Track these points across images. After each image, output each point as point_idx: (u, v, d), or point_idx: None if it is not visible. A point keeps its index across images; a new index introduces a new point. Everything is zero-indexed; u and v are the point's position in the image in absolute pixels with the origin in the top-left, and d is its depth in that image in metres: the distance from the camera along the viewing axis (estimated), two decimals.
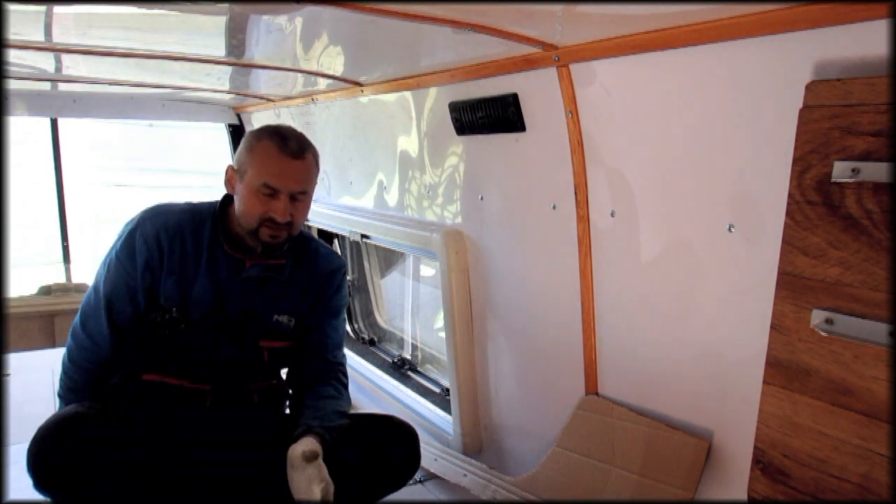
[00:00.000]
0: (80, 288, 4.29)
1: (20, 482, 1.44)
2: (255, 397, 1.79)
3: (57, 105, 3.48)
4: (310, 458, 1.50)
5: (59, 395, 1.74)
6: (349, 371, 1.93)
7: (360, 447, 1.70)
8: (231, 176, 1.70)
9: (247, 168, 1.63)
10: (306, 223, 3.04)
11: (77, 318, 1.73)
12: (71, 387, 1.72)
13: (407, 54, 2.06)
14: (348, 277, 3.51)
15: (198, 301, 1.68)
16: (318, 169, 1.71)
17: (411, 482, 2.31)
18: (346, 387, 1.85)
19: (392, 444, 1.75)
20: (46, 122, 4.25)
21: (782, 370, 1.21)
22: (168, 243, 1.66)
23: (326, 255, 1.88)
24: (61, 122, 4.34)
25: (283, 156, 1.60)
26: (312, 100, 3.01)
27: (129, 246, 1.66)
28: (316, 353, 1.83)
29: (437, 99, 2.26)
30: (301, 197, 1.65)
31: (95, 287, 1.71)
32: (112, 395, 1.69)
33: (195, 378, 1.71)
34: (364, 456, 1.69)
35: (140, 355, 1.71)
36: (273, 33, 1.84)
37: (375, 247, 3.26)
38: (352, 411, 1.80)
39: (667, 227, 1.57)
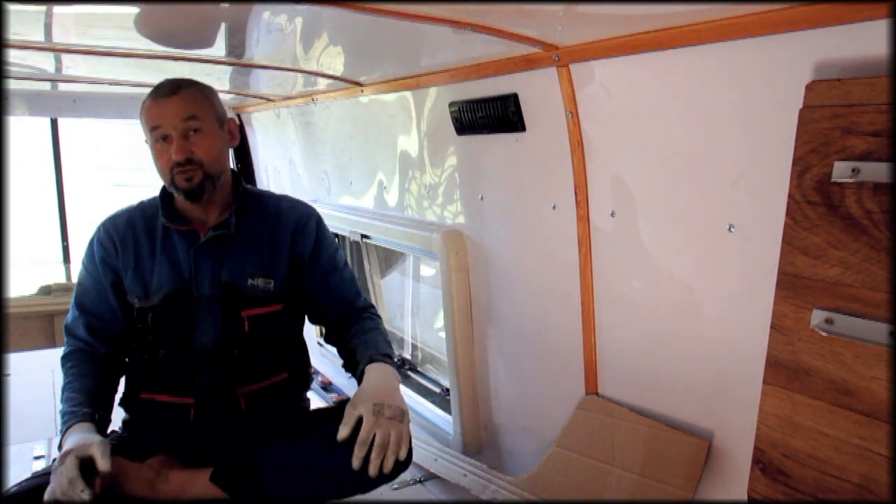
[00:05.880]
0: None
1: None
2: (241, 402, 1.65)
3: (57, 105, 3.48)
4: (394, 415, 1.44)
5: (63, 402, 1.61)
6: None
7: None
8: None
9: (145, 133, 1.62)
10: None
11: (65, 333, 1.73)
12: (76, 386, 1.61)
13: (407, 54, 2.06)
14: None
15: (158, 286, 1.64)
16: (208, 98, 1.64)
17: (411, 482, 2.31)
18: (380, 321, 1.80)
19: None
20: (47, 122, 4.26)
21: (782, 370, 1.21)
22: (121, 241, 1.67)
23: (290, 207, 1.78)
24: (61, 122, 4.35)
25: (156, 99, 1.58)
26: (312, 100, 3.01)
27: (89, 252, 1.71)
28: (338, 309, 1.78)
29: (437, 99, 2.26)
30: (193, 125, 1.57)
31: (73, 299, 1.72)
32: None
33: (178, 389, 1.62)
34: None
35: (129, 370, 1.70)
36: (273, 33, 1.84)
37: (375, 247, 3.26)
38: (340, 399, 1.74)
39: (667, 227, 1.57)
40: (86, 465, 1.34)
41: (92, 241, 1.71)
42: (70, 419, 1.49)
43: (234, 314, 1.65)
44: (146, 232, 1.68)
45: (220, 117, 1.67)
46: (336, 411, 1.58)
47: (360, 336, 1.70)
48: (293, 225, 1.73)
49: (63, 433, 1.47)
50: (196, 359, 1.62)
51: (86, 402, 1.55)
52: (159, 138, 1.58)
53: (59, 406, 1.57)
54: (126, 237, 1.67)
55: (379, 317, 1.83)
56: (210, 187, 1.61)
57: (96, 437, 1.42)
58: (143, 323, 1.65)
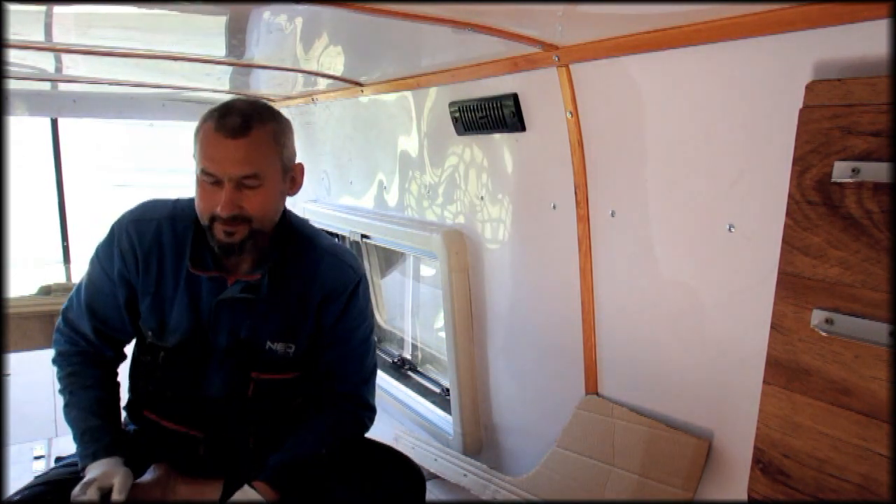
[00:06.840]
0: None
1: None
2: (250, 440, 1.54)
3: (57, 105, 3.49)
4: None
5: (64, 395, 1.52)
6: None
7: (357, 484, 1.47)
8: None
9: (195, 157, 1.38)
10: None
11: (60, 320, 1.58)
12: (73, 390, 1.51)
13: (407, 54, 2.06)
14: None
15: (174, 327, 1.47)
16: (277, 145, 1.39)
17: None
18: (349, 420, 1.56)
19: (396, 487, 1.51)
20: (47, 122, 4.26)
21: (782, 370, 1.21)
22: (144, 258, 1.46)
23: (332, 267, 1.53)
24: (61, 122, 4.35)
25: (219, 135, 1.33)
26: (312, 100, 3.02)
27: (107, 251, 1.50)
28: (318, 385, 1.57)
29: (437, 99, 2.26)
30: (251, 183, 1.34)
31: (78, 289, 1.55)
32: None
33: (187, 422, 1.52)
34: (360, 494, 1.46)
35: (133, 384, 1.57)
36: (273, 33, 1.84)
37: (375, 247, 3.26)
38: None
39: (667, 228, 1.57)
40: (106, 495, 1.35)
41: (112, 238, 1.49)
42: (95, 449, 1.41)
43: (245, 374, 1.50)
44: (173, 255, 1.47)
45: (286, 165, 1.43)
46: (354, 445, 1.57)
47: (306, 429, 1.49)
48: (325, 291, 1.51)
49: (86, 459, 1.41)
50: (203, 403, 1.52)
51: (107, 425, 1.47)
52: (209, 179, 1.35)
53: (66, 412, 1.49)
54: (150, 255, 1.46)
55: (361, 421, 1.59)
56: (250, 244, 1.40)
57: (121, 469, 1.38)
58: (153, 356, 1.51)
